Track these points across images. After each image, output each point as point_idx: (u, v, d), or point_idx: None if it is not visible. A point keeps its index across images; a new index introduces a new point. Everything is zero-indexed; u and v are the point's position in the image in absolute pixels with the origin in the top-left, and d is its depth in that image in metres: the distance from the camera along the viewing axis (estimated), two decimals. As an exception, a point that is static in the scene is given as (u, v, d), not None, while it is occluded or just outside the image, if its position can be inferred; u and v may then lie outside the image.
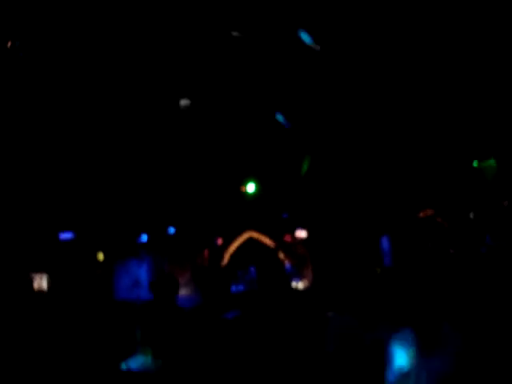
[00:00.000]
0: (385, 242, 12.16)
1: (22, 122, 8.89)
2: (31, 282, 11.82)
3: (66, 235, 11.94)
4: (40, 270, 12.22)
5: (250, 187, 12.42)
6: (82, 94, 8.84)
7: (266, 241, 14.98)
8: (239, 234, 14.90)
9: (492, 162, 10.18)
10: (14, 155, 9.36)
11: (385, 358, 3.61)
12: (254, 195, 12.69)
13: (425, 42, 8.21)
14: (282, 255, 14.62)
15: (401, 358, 3.15)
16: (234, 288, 12.91)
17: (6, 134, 8.83)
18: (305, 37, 7.88)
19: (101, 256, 12.85)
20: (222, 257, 14.83)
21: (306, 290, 12.77)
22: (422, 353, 3.03)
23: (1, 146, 8.95)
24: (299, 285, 13.40)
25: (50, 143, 9.78)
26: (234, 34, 7.09)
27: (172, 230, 13.24)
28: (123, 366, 3.32)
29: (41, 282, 12.35)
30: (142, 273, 13.06)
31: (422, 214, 13.42)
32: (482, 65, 8.42)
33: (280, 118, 10.19)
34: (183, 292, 12.43)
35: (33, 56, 7.61)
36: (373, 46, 8.23)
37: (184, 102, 9.21)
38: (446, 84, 9.17)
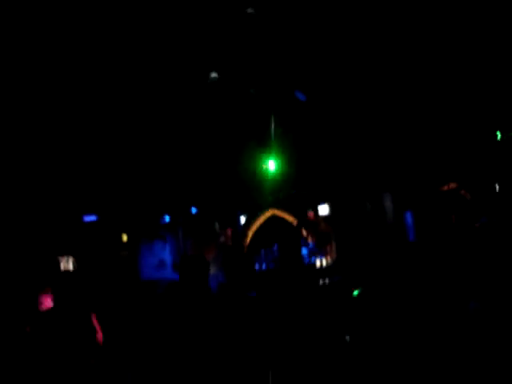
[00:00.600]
0: (408, 217, 12.06)
1: (46, 106, 8.95)
2: (58, 264, 11.99)
3: (89, 218, 12.07)
4: (66, 253, 12.39)
5: (271, 165, 12.37)
6: (103, 72, 8.85)
7: (289, 218, 14.97)
8: (262, 211, 14.91)
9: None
10: (38, 138, 9.45)
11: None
12: (276, 172, 12.64)
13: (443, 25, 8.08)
14: (304, 232, 14.59)
15: None
16: (257, 266, 12.96)
17: (31, 116, 8.91)
18: None
19: (125, 237, 12.98)
20: (245, 235, 14.87)
21: (328, 268, 12.76)
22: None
23: (27, 130, 9.04)
24: (323, 262, 13.38)
25: (75, 125, 9.84)
26: (249, 10, 7.00)
27: (194, 210, 13.29)
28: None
29: (67, 265, 12.53)
30: (166, 253, 13.18)
31: (445, 188, 13.26)
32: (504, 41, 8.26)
33: (298, 93, 10.11)
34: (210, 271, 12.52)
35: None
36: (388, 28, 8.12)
37: (213, 75, 9.14)
38: (469, 57, 9.00)
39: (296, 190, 13.98)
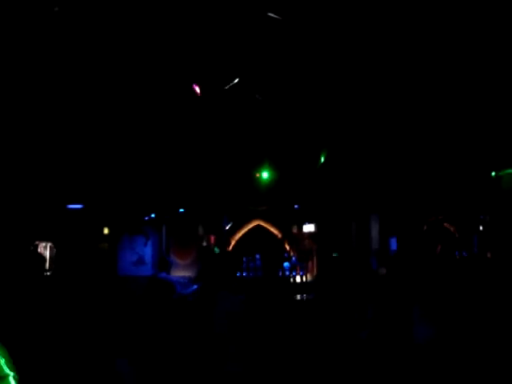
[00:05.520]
0: (393, 243, 12.10)
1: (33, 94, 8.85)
2: (35, 248, 11.83)
3: (74, 205, 11.92)
4: (45, 239, 12.23)
5: (264, 174, 12.37)
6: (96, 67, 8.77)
7: (274, 230, 14.94)
8: (247, 220, 14.87)
9: (510, 171, 10.04)
10: (25, 126, 9.34)
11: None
12: (267, 184, 12.61)
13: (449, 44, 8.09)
14: (287, 246, 14.58)
15: None
16: (238, 274, 12.88)
17: (17, 103, 8.80)
18: None
19: (106, 230, 12.84)
20: (228, 243, 14.81)
21: (307, 284, 12.74)
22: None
23: (13, 116, 8.93)
24: (303, 278, 13.37)
25: (65, 115, 9.74)
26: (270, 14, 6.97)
27: (181, 211, 13.22)
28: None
29: (44, 251, 12.37)
30: (147, 250, 13.05)
31: (432, 219, 13.33)
32: (502, 72, 8.28)
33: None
34: (186, 273, 12.41)
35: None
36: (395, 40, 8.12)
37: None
38: (464, 90, 9.03)
39: (287, 204, 13.95)
